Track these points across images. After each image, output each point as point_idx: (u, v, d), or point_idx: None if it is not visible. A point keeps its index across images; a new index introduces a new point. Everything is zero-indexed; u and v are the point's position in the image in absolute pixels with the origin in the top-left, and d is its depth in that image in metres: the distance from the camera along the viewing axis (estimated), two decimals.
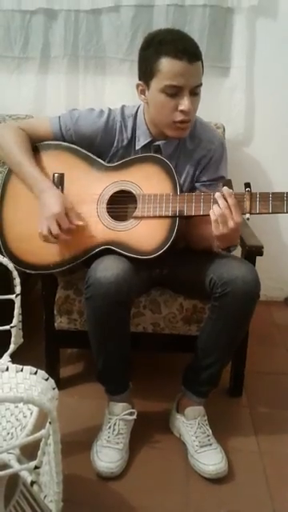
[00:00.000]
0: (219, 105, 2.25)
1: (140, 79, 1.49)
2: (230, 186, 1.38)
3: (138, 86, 1.50)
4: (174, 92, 1.41)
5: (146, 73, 1.44)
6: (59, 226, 1.42)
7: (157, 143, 1.55)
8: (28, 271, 1.52)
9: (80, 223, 1.46)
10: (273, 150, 2.38)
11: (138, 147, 1.56)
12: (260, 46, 2.26)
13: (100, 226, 1.49)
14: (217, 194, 1.37)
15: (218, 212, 1.35)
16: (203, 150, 1.56)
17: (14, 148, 1.53)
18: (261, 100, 2.32)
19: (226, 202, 1.34)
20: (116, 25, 2.21)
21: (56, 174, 1.51)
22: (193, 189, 1.58)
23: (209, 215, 1.37)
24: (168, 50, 1.38)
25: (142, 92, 1.49)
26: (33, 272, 1.53)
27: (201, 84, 1.44)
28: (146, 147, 1.56)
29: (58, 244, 1.48)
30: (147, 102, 1.49)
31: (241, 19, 2.20)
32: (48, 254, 1.50)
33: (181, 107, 1.42)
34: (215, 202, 1.36)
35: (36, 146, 1.58)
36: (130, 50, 2.21)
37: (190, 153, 1.57)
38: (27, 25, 2.24)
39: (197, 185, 1.59)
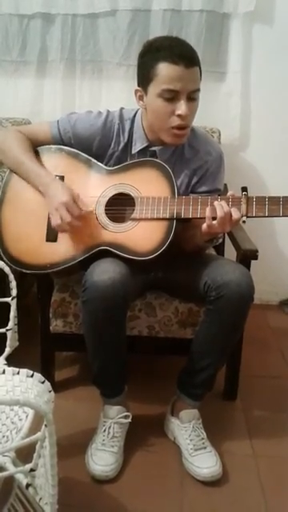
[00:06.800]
0: (215, 110, 2.27)
1: (138, 85, 1.50)
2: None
3: (136, 92, 1.51)
4: (171, 96, 1.42)
5: (144, 78, 1.46)
6: (70, 213, 1.44)
7: (153, 148, 1.55)
8: (25, 271, 1.52)
9: (90, 209, 1.49)
10: (268, 155, 2.40)
11: (134, 151, 1.57)
12: (256, 51, 2.28)
13: (98, 228, 1.50)
14: (221, 197, 1.41)
15: (220, 213, 1.37)
16: (200, 160, 1.57)
17: (15, 148, 1.54)
18: (257, 105, 2.34)
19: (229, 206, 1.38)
20: (113, 29, 2.23)
21: (56, 177, 1.53)
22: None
23: (205, 218, 1.39)
24: (165, 55, 1.40)
25: (141, 98, 1.50)
26: (30, 272, 1.54)
27: (198, 89, 1.45)
28: (142, 152, 1.57)
29: (57, 244, 1.50)
30: (145, 108, 1.51)
31: (237, 25, 2.23)
32: (45, 254, 1.51)
33: (178, 112, 1.43)
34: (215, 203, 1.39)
35: (37, 149, 1.59)
36: (126, 54, 2.24)
37: (187, 161, 1.58)
38: (25, 29, 2.26)
39: (193, 196, 1.59)
